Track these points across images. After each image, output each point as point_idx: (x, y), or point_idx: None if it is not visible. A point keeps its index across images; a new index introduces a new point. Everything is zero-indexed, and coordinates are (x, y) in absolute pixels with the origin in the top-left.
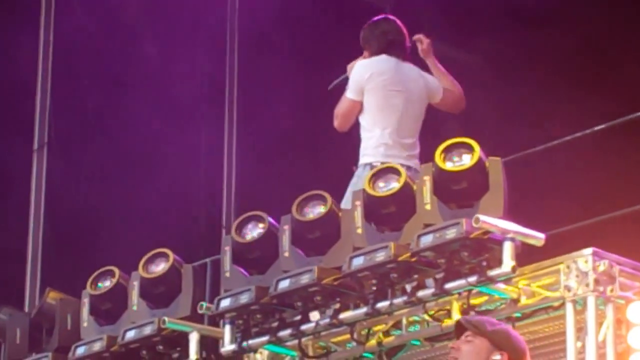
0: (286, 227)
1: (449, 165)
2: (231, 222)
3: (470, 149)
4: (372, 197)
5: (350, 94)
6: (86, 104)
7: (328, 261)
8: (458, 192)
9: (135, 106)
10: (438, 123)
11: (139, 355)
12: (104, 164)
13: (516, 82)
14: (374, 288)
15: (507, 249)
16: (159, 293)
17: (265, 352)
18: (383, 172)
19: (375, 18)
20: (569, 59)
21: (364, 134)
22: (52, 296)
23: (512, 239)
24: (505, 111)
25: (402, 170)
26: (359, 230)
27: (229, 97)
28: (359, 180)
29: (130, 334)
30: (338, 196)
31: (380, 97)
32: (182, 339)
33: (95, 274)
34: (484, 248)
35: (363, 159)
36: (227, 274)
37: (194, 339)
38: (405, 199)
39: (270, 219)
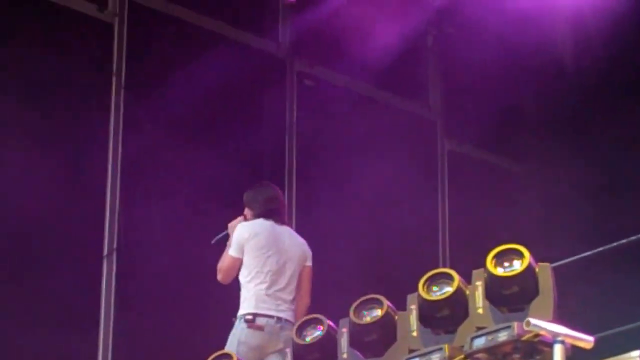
0: (344, 329)
1: (500, 271)
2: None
3: (520, 255)
4: (427, 301)
5: (232, 251)
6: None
7: None
8: (509, 297)
9: None
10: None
11: None
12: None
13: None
14: None
15: (558, 352)
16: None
17: None
18: (436, 277)
19: (259, 185)
20: None
21: (242, 288)
22: None
23: (562, 342)
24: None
25: (455, 275)
26: (414, 333)
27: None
28: (235, 332)
29: None
30: None
31: (256, 256)
32: None
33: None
34: (535, 350)
35: (240, 311)
36: (345, 356)
37: None
38: (458, 303)
39: (329, 322)
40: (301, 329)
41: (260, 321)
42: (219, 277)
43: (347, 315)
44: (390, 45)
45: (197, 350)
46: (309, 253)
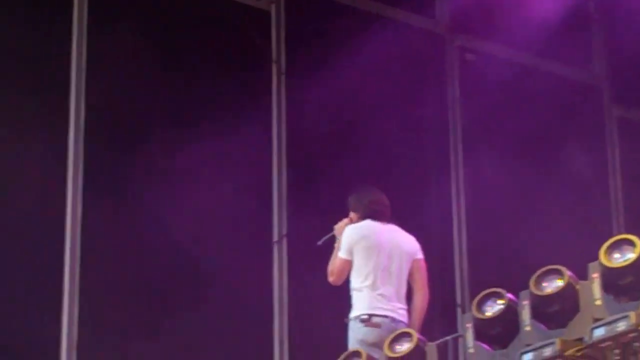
0: (525, 302)
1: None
2: (465, 299)
3: (632, 244)
4: (609, 269)
5: (343, 254)
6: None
7: (569, 333)
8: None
9: None
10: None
11: None
12: None
13: None
14: (617, 358)
15: None
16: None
17: None
18: (617, 243)
19: (363, 188)
20: None
21: (352, 291)
22: None
23: None
24: None
25: (637, 241)
26: (598, 302)
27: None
28: (352, 333)
29: None
30: None
31: (366, 257)
32: None
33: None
34: None
35: (353, 312)
36: (471, 350)
37: None
38: None
39: (509, 295)
40: (481, 304)
41: (376, 320)
42: (331, 279)
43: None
44: (551, 13)
45: None
46: (418, 246)
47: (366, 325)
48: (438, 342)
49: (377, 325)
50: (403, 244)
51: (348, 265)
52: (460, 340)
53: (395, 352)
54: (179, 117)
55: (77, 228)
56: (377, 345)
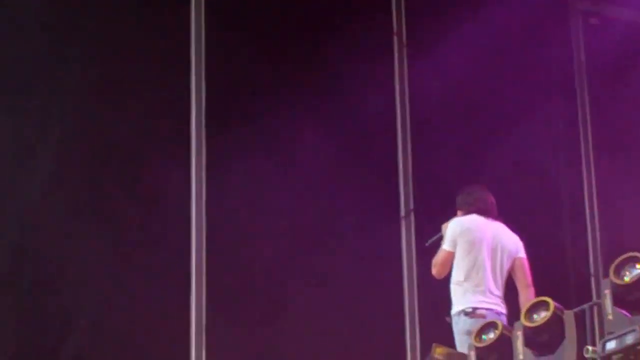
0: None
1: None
2: (598, 267)
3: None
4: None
5: (446, 245)
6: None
7: None
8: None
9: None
10: None
11: None
12: None
13: None
14: None
15: None
16: (543, 341)
17: None
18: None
19: (469, 188)
20: None
21: (452, 286)
22: (439, 352)
23: None
24: None
25: None
26: None
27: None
28: (457, 327)
29: None
30: None
31: (468, 251)
32: None
33: (478, 327)
34: None
35: (455, 308)
36: (610, 317)
37: None
38: None
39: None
40: (619, 269)
41: (480, 312)
42: (434, 271)
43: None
44: None
45: None
46: (521, 245)
47: (471, 317)
48: (576, 309)
49: (482, 316)
50: (505, 241)
51: (451, 256)
52: (596, 308)
53: (533, 321)
54: (301, 93)
55: (202, 209)
56: None
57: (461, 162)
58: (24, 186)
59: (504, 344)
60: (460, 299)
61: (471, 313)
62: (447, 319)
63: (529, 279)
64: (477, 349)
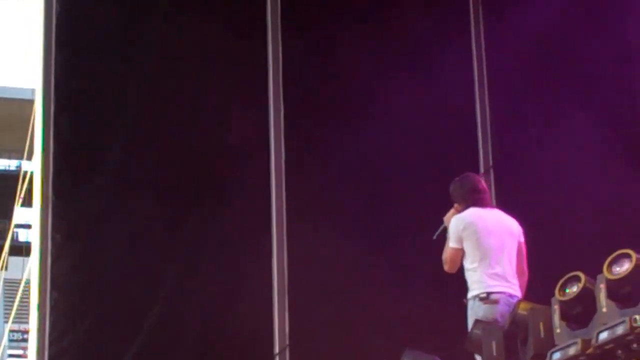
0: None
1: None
2: None
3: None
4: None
5: (452, 243)
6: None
7: None
8: (625, 295)
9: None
10: None
11: (614, 355)
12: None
13: None
14: None
15: None
16: (625, 293)
17: None
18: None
19: (460, 178)
20: None
21: (467, 273)
22: (523, 307)
23: None
24: None
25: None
26: None
27: None
28: (471, 311)
29: (604, 335)
30: None
31: (475, 242)
32: None
33: (562, 280)
34: None
35: (471, 292)
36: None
37: None
38: None
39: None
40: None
41: (493, 297)
42: (446, 267)
43: None
44: None
45: None
46: (521, 229)
47: (485, 304)
48: None
49: (495, 302)
50: (509, 225)
51: (459, 253)
52: None
53: (615, 274)
54: (379, 64)
55: (282, 184)
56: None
57: (542, 122)
58: None
59: (587, 297)
60: (476, 284)
61: (485, 299)
62: (464, 300)
63: (526, 265)
64: (561, 302)
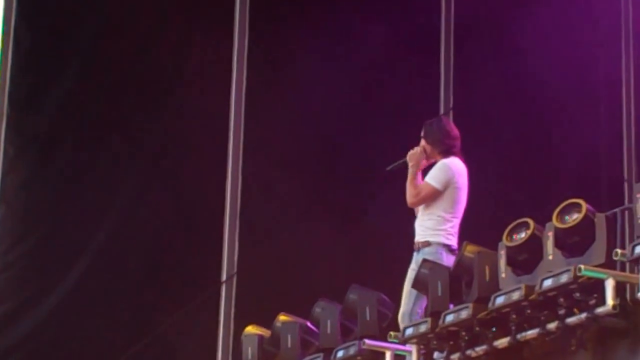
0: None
1: (561, 224)
2: (632, 174)
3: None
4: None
5: (436, 183)
6: None
7: None
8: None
9: None
10: None
11: (556, 303)
12: None
13: None
14: None
15: (608, 286)
16: (573, 242)
17: None
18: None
19: (438, 120)
20: None
21: (435, 217)
22: (470, 250)
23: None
24: None
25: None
26: None
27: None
28: (433, 256)
29: (548, 283)
30: None
31: (458, 192)
32: (598, 286)
33: (511, 226)
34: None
35: (436, 239)
36: None
37: (609, 286)
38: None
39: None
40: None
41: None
42: (413, 200)
43: None
44: None
45: None
46: None
47: (452, 254)
48: (607, 213)
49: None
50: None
51: (438, 195)
52: (627, 213)
53: (564, 223)
54: None
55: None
56: None
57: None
58: None
59: (534, 244)
60: (444, 233)
61: (452, 252)
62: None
63: None
64: (508, 248)
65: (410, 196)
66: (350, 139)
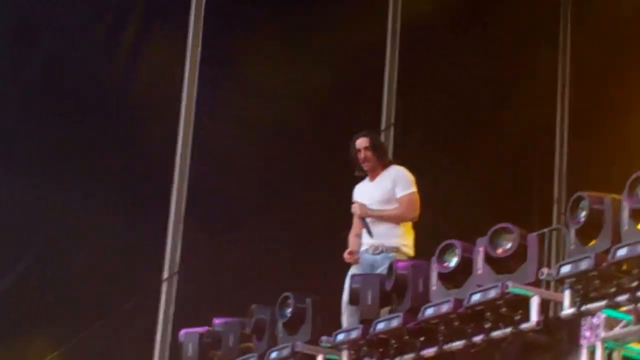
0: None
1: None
2: (562, 195)
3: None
4: None
5: (414, 187)
6: None
7: None
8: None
9: None
10: None
11: (483, 317)
12: None
13: None
14: None
15: (534, 304)
16: (505, 262)
17: (602, 316)
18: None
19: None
20: None
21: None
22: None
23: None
24: None
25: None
26: None
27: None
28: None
29: (476, 297)
30: None
31: None
32: (524, 303)
33: (440, 248)
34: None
35: (403, 241)
36: (573, 247)
37: (535, 303)
38: None
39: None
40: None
41: None
42: (415, 214)
43: None
44: None
45: None
46: None
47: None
48: (536, 233)
49: None
50: None
51: None
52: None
53: (498, 246)
54: None
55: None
56: None
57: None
58: None
59: (464, 265)
60: (407, 237)
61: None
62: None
63: None
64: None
65: (409, 214)
66: (295, 142)
